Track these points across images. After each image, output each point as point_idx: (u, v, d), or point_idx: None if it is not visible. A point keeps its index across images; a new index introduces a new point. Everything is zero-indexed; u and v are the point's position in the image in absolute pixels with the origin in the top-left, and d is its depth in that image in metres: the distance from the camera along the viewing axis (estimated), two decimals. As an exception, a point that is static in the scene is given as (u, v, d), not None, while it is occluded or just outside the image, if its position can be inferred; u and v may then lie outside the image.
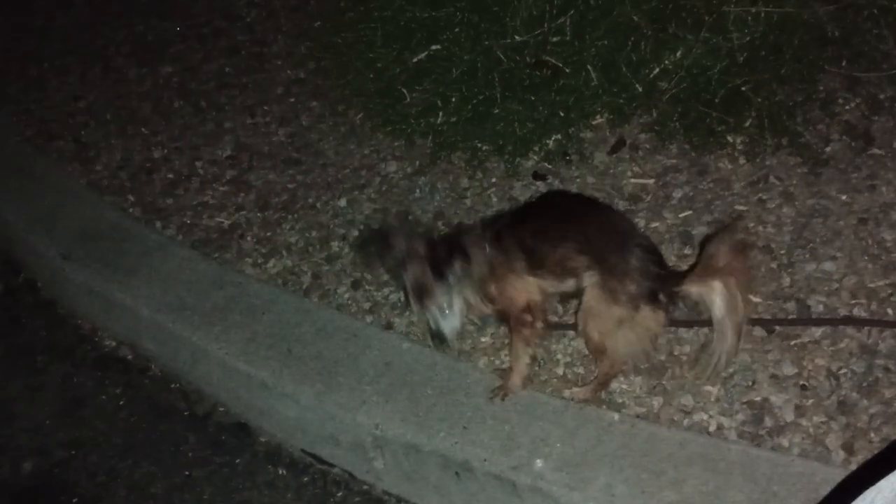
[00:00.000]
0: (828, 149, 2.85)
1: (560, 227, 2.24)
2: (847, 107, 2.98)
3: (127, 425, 2.80)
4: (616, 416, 2.23)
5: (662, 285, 2.14)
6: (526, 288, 2.27)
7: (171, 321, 2.81)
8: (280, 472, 2.58)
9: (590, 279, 2.18)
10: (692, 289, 2.14)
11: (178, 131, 3.66)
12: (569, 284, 2.26)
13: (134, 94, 3.95)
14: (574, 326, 2.38)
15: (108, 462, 2.69)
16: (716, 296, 2.09)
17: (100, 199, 3.39)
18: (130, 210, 3.30)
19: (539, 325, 2.29)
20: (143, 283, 2.94)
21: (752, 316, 2.29)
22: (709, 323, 2.21)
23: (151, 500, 2.57)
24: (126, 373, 2.97)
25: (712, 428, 2.18)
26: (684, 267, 2.40)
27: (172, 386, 2.89)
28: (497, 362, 2.44)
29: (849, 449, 2.07)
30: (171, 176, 3.42)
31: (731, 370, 2.28)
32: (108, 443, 2.75)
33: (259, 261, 2.97)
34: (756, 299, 2.44)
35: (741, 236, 2.30)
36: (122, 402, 2.87)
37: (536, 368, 2.38)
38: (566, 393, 2.31)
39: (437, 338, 2.30)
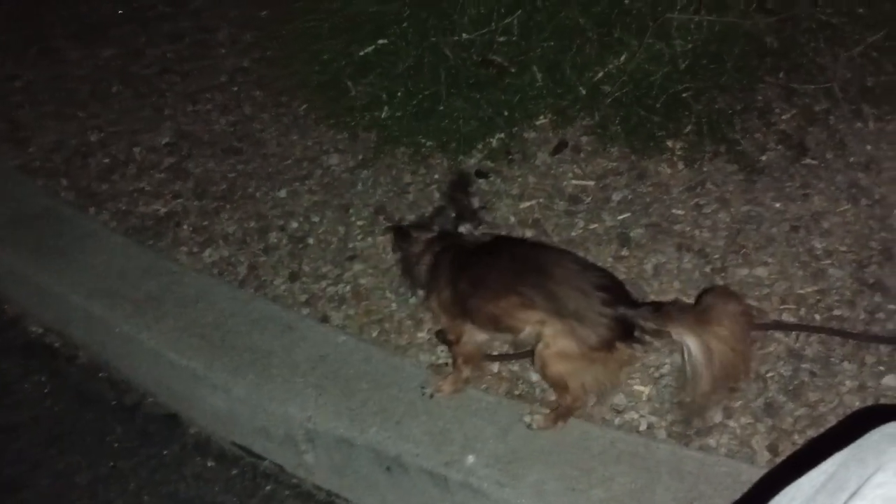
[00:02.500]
0: (763, 157, 2.91)
1: (502, 281, 2.14)
2: (783, 117, 3.04)
3: (52, 414, 2.74)
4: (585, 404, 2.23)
5: (640, 319, 2.05)
6: (457, 324, 2.25)
7: (102, 309, 2.74)
8: (209, 463, 2.54)
9: (550, 329, 2.06)
10: (675, 332, 2.02)
11: (117, 116, 3.58)
12: (508, 338, 2.23)
13: (72, 77, 3.86)
14: (525, 355, 2.32)
15: (31, 450, 2.63)
16: (698, 345, 1.98)
17: (32, 182, 3.30)
18: (63, 195, 3.22)
19: (466, 374, 2.28)
20: (73, 269, 2.87)
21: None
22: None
23: (75, 490, 2.51)
24: (53, 360, 2.90)
25: (643, 427, 2.21)
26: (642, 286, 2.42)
27: (100, 375, 2.83)
28: (433, 358, 2.43)
29: (774, 450, 2.11)
30: (107, 161, 3.35)
31: (662, 370, 2.31)
32: (33, 431, 2.69)
33: (195, 250, 2.92)
34: (690, 302, 2.47)
35: (743, 302, 2.16)
36: (47, 391, 2.81)
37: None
38: (526, 418, 2.21)
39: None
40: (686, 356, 2.01)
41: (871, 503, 1.01)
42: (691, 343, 1.99)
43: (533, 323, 2.09)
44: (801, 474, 1.22)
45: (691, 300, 2.47)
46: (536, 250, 2.32)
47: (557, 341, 2.06)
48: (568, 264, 2.13)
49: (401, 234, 2.37)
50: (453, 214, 2.34)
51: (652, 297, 2.49)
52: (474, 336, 2.25)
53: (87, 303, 2.77)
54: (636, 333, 2.05)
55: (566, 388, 2.13)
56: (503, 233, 2.74)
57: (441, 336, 2.40)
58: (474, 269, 2.20)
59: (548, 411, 2.21)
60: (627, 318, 2.03)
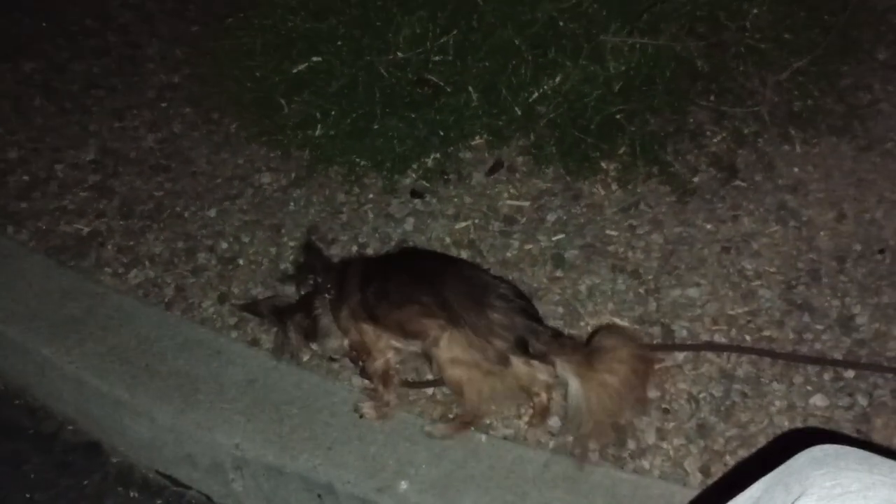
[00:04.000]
0: (695, 179, 2.94)
1: (404, 291, 2.19)
2: (714, 139, 3.08)
3: (-37, 444, 2.60)
4: (483, 437, 2.21)
5: (533, 336, 2.05)
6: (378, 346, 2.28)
7: (19, 332, 2.63)
8: (132, 494, 2.44)
9: (447, 335, 2.09)
10: (560, 365, 2.04)
11: (38, 132, 3.45)
12: (415, 345, 2.24)
13: (-8, 91, 3.71)
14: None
15: (-60, 483, 2.49)
16: (579, 387, 2.01)
17: (-55, 200, 3.15)
18: (-21, 213, 3.09)
19: (387, 398, 2.28)
20: (-11, 291, 2.74)
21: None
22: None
23: (-12, 524, 2.39)
24: (-35, 387, 2.76)
25: (577, 450, 2.19)
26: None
27: (17, 402, 2.71)
28: (366, 382, 2.38)
29: (706, 471, 2.12)
30: (26, 178, 3.22)
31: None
32: (-57, 462, 2.55)
33: (119, 271, 2.82)
34: (623, 322, 2.48)
35: (641, 346, 2.15)
36: (-42, 420, 2.67)
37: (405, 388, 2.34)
38: (426, 427, 2.22)
39: None
40: (567, 395, 2.05)
41: None
42: (572, 384, 2.03)
43: (435, 329, 2.11)
44: (731, 496, 1.21)
45: (625, 321, 2.49)
46: (441, 262, 2.36)
47: (451, 347, 2.09)
48: (468, 275, 2.18)
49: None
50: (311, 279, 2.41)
51: (586, 320, 2.49)
52: (384, 347, 2.27)
53: (3, 326, 2.65)
54: (530, 350, 2.06)
55: (462, 394, 2.14)
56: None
57: (362, 371, 2.36)
58: (380, 279, 2.25)
59: (447, 422, 2.23)
60: (521, 333, 2.04)
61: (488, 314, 2.05)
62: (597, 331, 2.20)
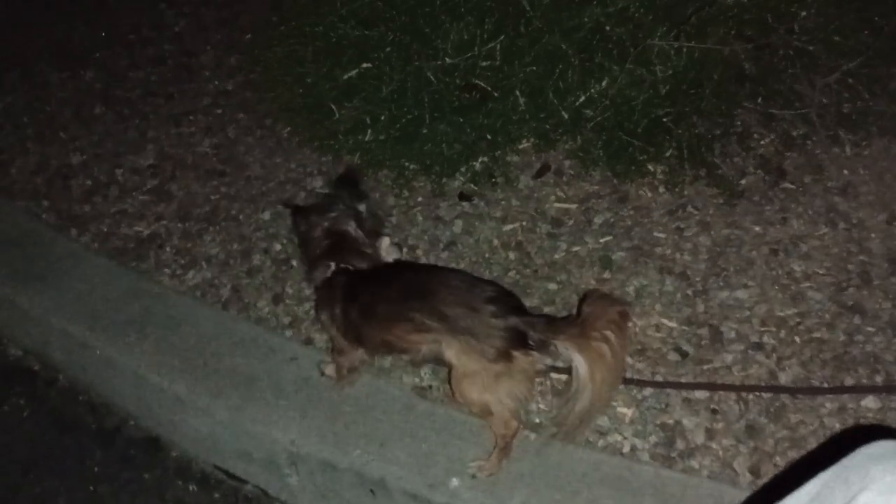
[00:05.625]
0: (743, 181, 2.95)
1: (391, 310, 2.18)
2: (762, 142, 3.08)
3: (31, 438, 2.71)
4: (532, 436, 2.24)
5: (529, 328, 2.06)
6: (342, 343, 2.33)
7: (83, 331, 2.72)
8: (190, 487, 2.52)
9: (450, 350, 2.09)
10: (561, 344, 2.06)
11: (99, 138, 3.57)
12: (405, 358, 2.30)
13: (54, 99, 3.84)
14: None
15: (9, 476, 2.60)
16: (582, 359, 2.02)
17: (12, 204, 3.27)
18: (44, 216, 3.20)
19: (344, 372, 2.39)
20: (54, 291, 2.85)
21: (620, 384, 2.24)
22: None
23: (54, 516, 2.48)
24: (32, 384, 2.87)
25: (626, 449, 2.22)
26: (598, 287, 2.44)
27: (80, 398, 2.80)
28: (416, 380, 2.43)
29: (755, 471, 2.13)
30: (89, 183, 3.33)
31: (645, 392, 2.33)
32: (10, 456, 2.66)
33: (177, 272, 2.91)
34: (671, 324, 2.49)
35: (622, 304, 2.19)
36: (26, 414, 2.78)
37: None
38: (471, 469, 2.17)
39: None
40: (572, 371, 2.05)
41: None
42: (575, 359, 2.04)
43: (429, 343, 2.12)
44: (783, 496, 1.23)
45: (673, 323, 2.50)
46: (423, 273, 2.35)
47: (461, 361, 2.09)
48: (454, 283, 2.16)
49: (301, 215, 2.46)
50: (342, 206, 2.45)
51: (633, 321, 2.50)
52: (359, 357, 2.35)
53: (67, 325, 2.75)
54: (530, 342, 2.07)
55: (491, 413, 2.12)
56: (471, 257, 2.77)
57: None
58: (364, 299, 2.24)
59: (487, 458, 2.19)
60: (518, 327, 2.06)
61: (481, 316, 2.06)
62: (581, 300, 2.21)
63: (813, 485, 1.17)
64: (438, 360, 2.18)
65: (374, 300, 2.22)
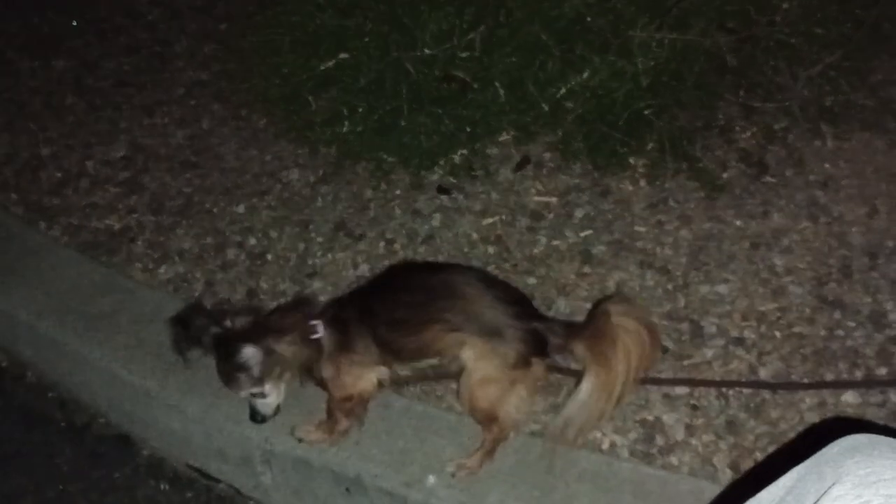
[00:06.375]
0: (724, 175, 2.92)
1: (420, 313, 2.06)
2: (744, 135, 3.06)
3: (-2, 435, 2.65)
4: (511, 433, 2.20)
5: (550, 333, 2.03)
6: (366, 378, 2.13)
7: (52, 326, 2.66)
8: (162, 486, 2.47)
9: (470, 351, 2.02)
10: (578, 351, 2.03)
11: (70, 129, 3.49)
12: (431, 363, 2.16)
13: (24, 88, 3.75)
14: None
15: (-25, 474, 2.53)
16: (594, 371, 1.98)
17: (-21, 196, 3.20)
18: (13, 209, 3.13)
19: (352, 420, 2.18)
20: (22, 285, 2.79)
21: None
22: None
23: (21, 514, 2.42)
24: (-1, 380, 2.80)
25: (605, 446, 2.19)
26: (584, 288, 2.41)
27: (49, 395, 2.75)
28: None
29: (735, 468, 2.11)
30: (59, 175, 3.26)
31: (625, 388, 2.30)
32: (-23, 454, 2.59)
33: (150, 266, 2.85)
34: (652, 319, 2.47)
35: (649, 320, 2.13)
36: (-8, 411, 2.71)
37: (433, 384, 2.34)
38: (451, 468, 2.12)
39: (255, 418, 2.18)
40: (582, 382, 2.00)
41: None
42: (590, 369, 1.99)
43: (457, 344, 2.04)
44: (759, 490, 1.21)
45: (654, 318, 2.47)
46: (443, 274, 2.20)
47: (478, 365, 2.02)
48: (475, 282, 2.09)
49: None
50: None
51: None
52: (366, 383, 2.15)
53: (36, 320, 2.69)
54: (547, 349, 2.04)
55: (496, 418, 2.06)
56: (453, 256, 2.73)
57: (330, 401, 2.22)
58: (386, 312, 2.10)
59: (468, 457, 2.14)
60: (539, 332, 2.02)
61: (506, 317, 2.01)
62: (601, 302, 2.13)
63: (788, 478, 1.16)
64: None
65: (398, 309, 2.10)
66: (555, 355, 2.07)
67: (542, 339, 2.02)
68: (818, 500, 1.02)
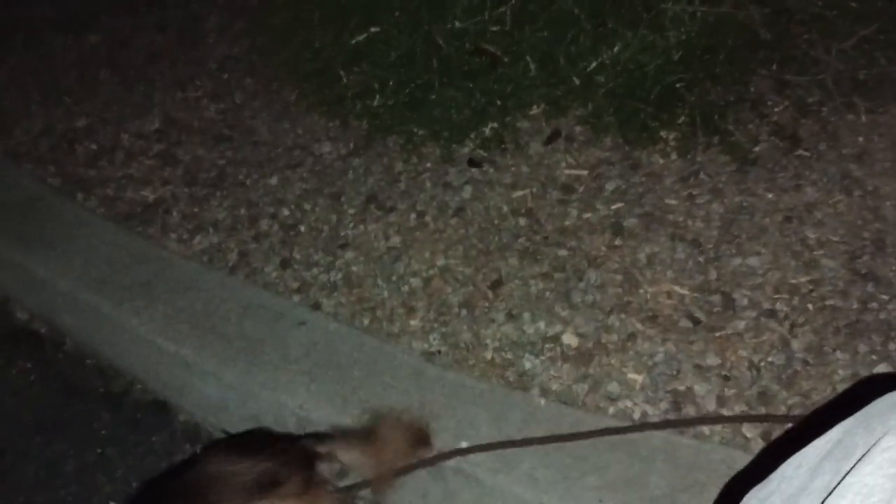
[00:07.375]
0: (756, 148, 2.90)
1: None
2: (776, 109, 3.03)
3: (38, 402, 2.70)
4: (542, 401, 2.23)
5: (317, 439, 2.09)
6: None
7: (90, 295, 2.71)
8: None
9: None
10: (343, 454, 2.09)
11: (104, 103, 3.54)
12: None
13: (58, 64, 3.81)
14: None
15: (16, 440, 2.59)
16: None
17: (17, 168, 3.25)
18: (50, 181, 3.18)
19: None
20: (61, 255, 2.84)
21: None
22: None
23: (62, 478, 2.48)
24: (39, 347, 2.86)
25: (637, 415, 2.20)
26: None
27: (88, 362, 2.79)
28: (425, 345, 2.42)
29: (767, 438, 2.11)
30: (94, 147, 3.31)
31: (656, 359, 2.31)
32: (19, 420, 2.65)
33: (184, 237, 2.89)
34: (683, 291, 2.47)
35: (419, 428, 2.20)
36: (33, 378, 2.77)
37: (465, 352, 2.37)
38: None
39: None
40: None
41: (880, 467, 1.01)
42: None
43: None
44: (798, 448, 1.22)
45: (685, 290, 2.48)
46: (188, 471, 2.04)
47: None
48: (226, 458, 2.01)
49: None
50: None
51: (644, 288, 2.48)
52: None
53: (74, 289, 2.74)
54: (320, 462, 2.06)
55: None
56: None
57: None
58: None
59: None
60: (306, 449, 2.04)
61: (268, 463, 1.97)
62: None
63: (835, 432, 1.17)
64: None
65: None
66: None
67: (308, 456, 2.04)
68: (868, 452, 1.03)
